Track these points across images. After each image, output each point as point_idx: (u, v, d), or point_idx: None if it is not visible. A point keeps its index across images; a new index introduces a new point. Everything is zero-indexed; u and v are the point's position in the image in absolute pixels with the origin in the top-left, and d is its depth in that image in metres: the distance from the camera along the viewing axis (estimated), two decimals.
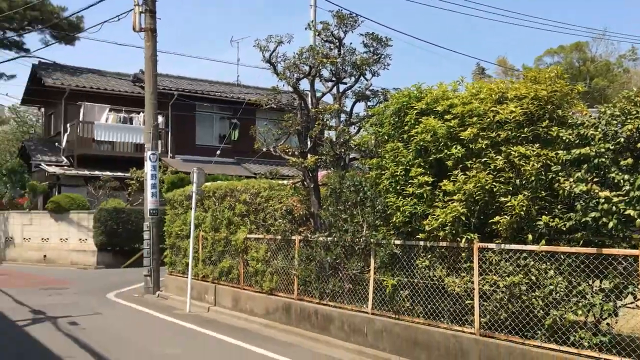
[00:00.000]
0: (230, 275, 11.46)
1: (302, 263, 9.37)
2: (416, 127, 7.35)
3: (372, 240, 8.02)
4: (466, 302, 6.77)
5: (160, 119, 25.87)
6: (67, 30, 25.19)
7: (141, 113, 25.27)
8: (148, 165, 14.75)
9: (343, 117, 10.27)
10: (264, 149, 11.13)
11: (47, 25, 23.69)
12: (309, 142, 10.08)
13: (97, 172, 23.48)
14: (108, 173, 23.25)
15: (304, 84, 10.84)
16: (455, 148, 6.89)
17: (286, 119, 10.12)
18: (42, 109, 29.88)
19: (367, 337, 7.96)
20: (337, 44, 9.93)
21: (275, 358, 7.76)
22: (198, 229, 12.40)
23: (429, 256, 7.21)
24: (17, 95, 54.55)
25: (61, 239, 21.14)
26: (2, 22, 23.91)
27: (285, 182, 11.30)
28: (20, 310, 11.45)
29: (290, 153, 10.22)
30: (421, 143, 7.25)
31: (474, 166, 6.70)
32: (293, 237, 9.74)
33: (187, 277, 12.54)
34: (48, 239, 21.39)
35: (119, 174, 23.13)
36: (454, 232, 6.73)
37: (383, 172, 7.87)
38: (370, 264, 8.14)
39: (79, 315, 10.91)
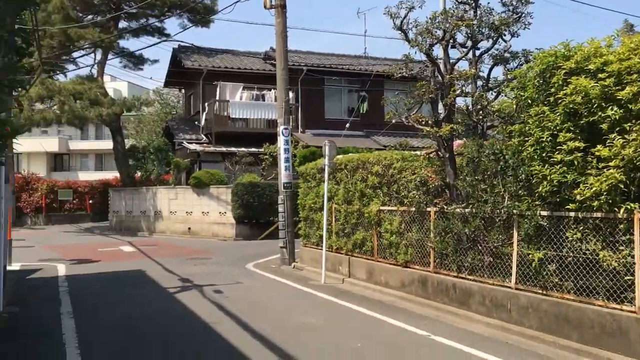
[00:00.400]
0: (363, 248, 11.44)
1: (438, 235, 9.09)
2: (564, 88, 6.75)
3: (514, 211, 7.55)
4: (625, 278, 6.16)
5: (290, 94, 26.44)
6: (202, 13, 26.32)
7: (272, 90, 25.98)
8: (281, 140, 15.06)
9: (480, 82, 9.74)
10: (394, 120, 10.89)
11: (184, 9, 24.91)
12: (443, 111, 9.68)
13: (233, 148, 24.54)
14: (243, 149, 24.22)
15: (437, 51, 10.45)
16: (611, 109, 6.23)
17: (418, 87, 9.78)
18: (183, 90, 31.68)
19: (511, 312, 7.56)
20: (473, 4, 9.38)
21: (412, 330, 7.61)
22: (331, 201, 12.48)
23: (581, 228, 6.63)
24: (161, 78, 58.54)
25: (203, 212, 22.42)
26: (145, 9, 25.49)
27: (418, 152, 11.01)
28: (170, 279, 12.27)
29: (423, 122, 9.90)
30: (571, 105, 6.65)
31: (634, 129, 6.03)
32: (428, 209, 9.46)
33: (321, 249, 12.73)
34: (191, 212, 22.79)
35: (253, 149, 24.01)
36: (610, 201, 6.13)
37: (526, 138, 7.34)
38: (512, 236, 7.68)
39: (222, 284, 11.46)
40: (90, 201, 32.42)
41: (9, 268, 13.69)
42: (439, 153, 9.66)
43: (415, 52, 9.92)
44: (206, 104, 25.66)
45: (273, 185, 21.26)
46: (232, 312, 8.69)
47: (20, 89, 19.82)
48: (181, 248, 18.55)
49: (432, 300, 9.17)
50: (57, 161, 55.57)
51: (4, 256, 10.10)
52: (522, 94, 7.75)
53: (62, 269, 13.94)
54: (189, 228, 22.74)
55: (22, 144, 38.67)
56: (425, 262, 9.52)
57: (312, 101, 26.50)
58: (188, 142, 25.05)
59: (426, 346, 6.88)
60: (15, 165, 39.68)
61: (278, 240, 17.64)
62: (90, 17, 26.75)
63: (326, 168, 12.15)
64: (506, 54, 9.47)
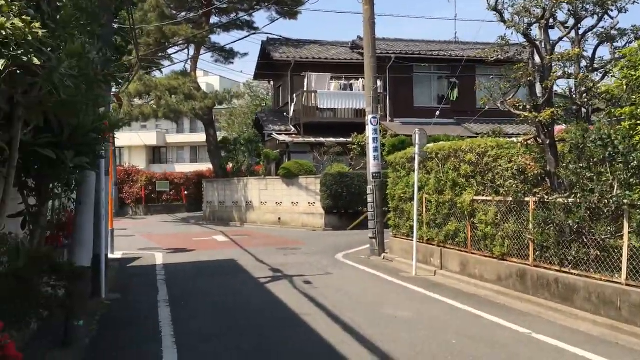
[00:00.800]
0: (456, 239, 11.04)
1: (538, 227, 8.56)
2: None
3: (625, 201, 6.95)
4: None
5: (378, 83, 26.07)
6: (290, 4, 26.48)
7: (360, 79, 25.73)
8: (369, 129, 14.84)
9: (583, 63, 9.05)
10: (487, 107, 10.40)
11: (273, 2, 25.15)
12: (542, 94, 9.09)
13: (321, 139, 24.56)
14: (331, 139, 24.17)
15: (535, 31, 9.82)
16: None
17: (516, 69, 9.23)
18: (272, 82, 32.11)
19: (621, 311, 6.97)
20: None
21: (512, 327, 7.20)
22: (421, 191, 12.14)
23: None
24: (251, 71, 59.96)
25: (292, 203, 22.63)
26: (235, 4, 25.98)
27: (514, 139, 10.44)
28: (261, 268, 12.41)
29: (521, 107, 9.34)
30: None
31: None
32: (526, 199, 8.94)
33: (411, 240, 12.43)
34: (281, 202, 23.07)
35: (341, 139, 23.91)
36: None
37: (638, 122, 6.72)
38: (622, 228, 7.07)
39: (312, 274, 11.45)
40: (186, 192, 33.67)
41: (111, 256, 14.39)
42: (538, 139, 9.09)
43: (512, 33, 9.37)
44: (294, 95, 25.83)
45: (362, 175, 21.07)
46: (321, 304, 8.61)
47: (120, 86, 20.74)
48: (271, 238, 18.80)
49: (531, 295, 8.67)
50: (155, 154, 58.21)
51: (107, 245, 10.58)
52: (632, 73, 7.10)
53: (159, 258, 14.49)
54: (279, 218, 23.04)
55: (123, 138, 40.61)
56: (524, 255, 9.01)
57: (401, 89, 26.02)
58: (277, 134, 25.34)
59: (528, 345, 6.47)
60: (117, 158, 41.99)
61: (367, 230, 17.49)
62: (183, 14, 27.62)
63: (416, 157, 11.80)
64: (613, 32, 8.75)
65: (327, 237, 18.85)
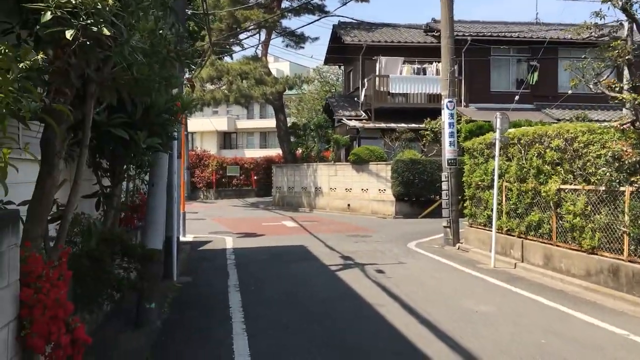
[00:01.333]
0: (539, 230, 10.35)
1: (635, 219, 7.84)
2: None
3: None
4: None
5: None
6: None
7: (434, 63, 24.99)
8: (445, 114, 14.22)
9: None
10: (570, 92, 9.65)
11: None
12: None
13: (392, 124, 24.02)
14: (403, 125, 23.58)
15: (635, 6, 8.97)
16: None
17: (612, 47, 8.46)
18: (342, 67, 31.71)
19: None
20: None
21: (606, 328, 6.59)
22: (501, 179, 11.49)
23: None
24: (321, 56, 59.69)
25: (362, 189, 22.26)
26: None
27: (607, 124, 9.64)
28: (332, 255, 12.14)
29: (617, 89, 8.57)
30: None
31: None
32: (621, 188, 8.20)
33: (488, 230, 11.83)
34: (350, 189, 22.74)
35: (413, 125, 23.28)
36: None
37: None
38: None
39: (384, 263, 11.08)
40: (255, 177, 33.94)
41: (182, 239, 14.52)
42: (636, 124, 8.31)
43: (608, 8, 8.60)
44: (365, 79, 25.34)
45: (434, 162, 20.45)
46: (396, 294, 8.24)
47: (193, 70, 20.85)
48: (341, 224, 18.53)
49: (626, 293, 7.97)
50: (226, 139, 59.13)
51: (178, 228, 10.59)
52: None
53: (229, 242, 14.49)
54: (348, 205, 22.74)
55: (195, 123, 41.46)
56: (617, 249, 8.29)
57: (477, 73, 25.02)
58: (347, 119, 24.98)
59: (626, 348, 5.87)
60: (189, 143, 42.87)
61: (439, 219, 16.97)
62: None
63: (497, 142, 11.15)
64: None
65: (398, 225, 18.39)
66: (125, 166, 6.85)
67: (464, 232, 13.67)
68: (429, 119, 22.06)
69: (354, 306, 7.68)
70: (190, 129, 42.96)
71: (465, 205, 13.67)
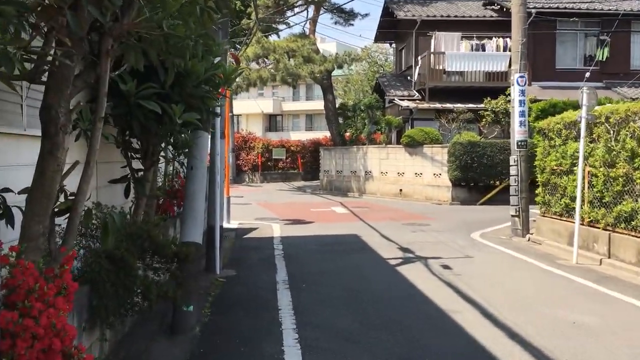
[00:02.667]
0: (632, 222, 8.95)
1: None
2: None
3: None
4: None
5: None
6: None
7: (494, 38, 23.37)
8: (515, 90, 12.80)
9: None
10: None
11: None
12: None
13: (447, 105, 22.57)
14: (459, 105, 22.09)
15: None
16: None
17: None
18: (393, 45, 30.22)
19: None
20: None
21: None
22: (583, 163, 10.10)
23: None
24: (369, 35, 57.82)
25: (415, 174, 20.96)
26: None
27: None
28: (388, 246, 11.02)
29: None
30: None
31: None
32: None
33: (565, 221, 10.52)
34: (403, 173, 21.46)
35: (470, 105, 21.78)
36: None
37: None
38: None
39: (449, 257, 9.88)
40: (302, 160, 32.93)
41: (227, 226, 13.62)
42: None
43: None
44: (419, 57, 23.86)
45: (495, 144, 19.00)
46: (471, 298, 7.06)
47: (240, 48, 19.78)
48: (394, 211, 17.33)
49: None
50: (271, 121, 58.41)
51: (222, 215, 9.64)
52: None
53: (276, 229, 13.53)
54: (400, 190, 21.48)
55: (241, 105, 40.86)
56: None
57: (541, 49, 23.21)
58: (400, 99, 23.61)
59: None
60: (234, 125, 42.18)
61: (499, 206, 15.78)
62: None
63: (583, 122, 9.73)
64: None
65: (456, 212, 17.07)
66: (159, 146, 5.87)
67: (536, 222, 12.31)
68: (489, 98, 20.55)
69: (425, 312, 6.53)
70: (235, 111, 42.30)
71: (537, 192, 12.29)
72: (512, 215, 12.69)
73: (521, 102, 12.67)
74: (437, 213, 16.74)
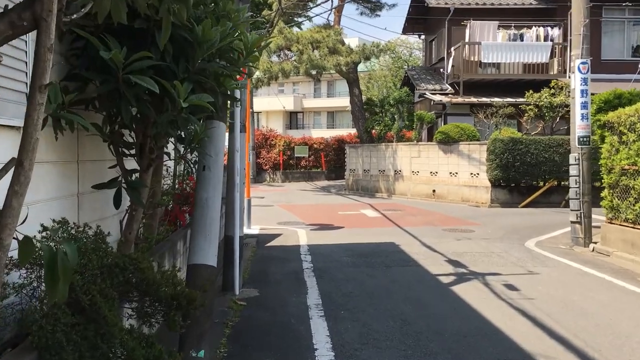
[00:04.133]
0: None
1: None
2: None
3: None
4: None
5: (556, 31, 21.80)
6: None
7: (533, 27, 21.66)
8: (577, 79, 11.20)
9: None
10: None
11: None
12: None
13: (484, 99, 20.95)
14: (496, 99, 20.46)
15: None
16: None
17: None
18: (422, 37, 28.58)
19: None
20: None
21: None
22: None
23: None
24: (394, 29, 55.97)
25: (450, 173, 19.36)
26: None
27: None
28: (433, 258, 9.50)
29: None
30: None
31: None
32: None
33: (638, 228, 8.91)
34: (436, 172, 19.88)
35: (509, 99, 20.14)
36: None
37: None
38: None
39: (509, 273, 8.35)
40: (325, 158, 31.43)
41: (247, 231, 12.25)
42: None
43: None
44: (452, 48, 22.24)
45: (539, 141, 17.37)
46: (558, 334, 5.54)
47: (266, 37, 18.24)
48: (430, 214, 15.78)
49: None
50: (292, 119, 57.08)
51: (242, 222, 8.21)
52: None
53: (302, 236, 12.08)
54: (434, 190, 19.90)
55: (261, 102, 39.49)
56: None
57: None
58: (431, 93, 22.03)
59: None
60: (255, 122, 40.80)
61: (543, 209, 14.40)
62: None
63: None
64: None
65: (499, 216, 15.45)
66: (160, 139, 4.45)
67: (602, 229, 10.70)
68: (531, 92, 18.90)
69: (504, 353, 5.03)
70: (255, 108, 40.89)
71: (602, 195, 10.69)
72: (572, 222, 11.10)
73: (583, 92, 11.06)
74: (479, 217, 15.15)
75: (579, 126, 11.03)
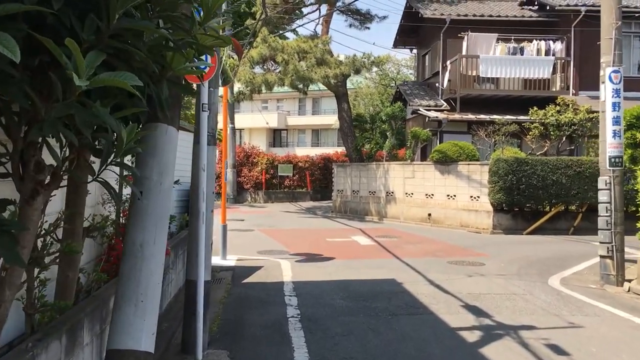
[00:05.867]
0: None
1: None
2: None
3: None
4: None
5: (558, 45, 20.48)
6: None
7: (534, 41, 20.34)
8: (607, 90, 9.72)
9: None
10: None
11: None
12: None
13: (482, 116, 19.49)
14: (496, 116, 19.00)
15: None
16: None
17: None
18: (414, 51, 27.19)
19: None
20: None
21: None
22: None
23: None
24: (383, 43, 54.49)
25: (448, 196, 17.74)
26: None
27: None
28: (446, 303, 7.80)
29: None
30: None
31: None
32: None
33: None
34: (432, 195, 18.25)
35: (509, 116, 18.67)
36: None
37: None
38: None
39: (546, 326, 6.67)
40: (311, 178, 29.69)
41: (222, 263, 10.53)
42: None
43: None
44: (448, 62, 20.80)
45: (547, 162, 15.87)
46: None
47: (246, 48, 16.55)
48: (430, 243, 14.09)
49: None
50: (276, 136, 55.47)
51: (209, 264, 6.42)
52: None
53: (286, 270, 10.31)
54: (429, 214, 18.25)
55: (244, 119, 37.73)
56: None
57: (590, 54, 19.97)
58: (425, 109, 20.51)
59: None
60: (237, 139, 38.99)
61: (551, 237, 13.11)
62: None
63: None
64: None
65: (506, 245, 13.81)
66: (54, 147, 2.73)
67: (638, 265, 9.09)
68: (535, 109, 17.48)
69: None
70: (238, 125, 39.18)
71: (639, 225, 9.13)
72: (602, 256, 9.48)
73: (615, 106, 9.57)
74: (484, 246, 13.50)
75: (610, 144, 9.49)
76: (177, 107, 3.57)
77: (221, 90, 10.92)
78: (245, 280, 9.44)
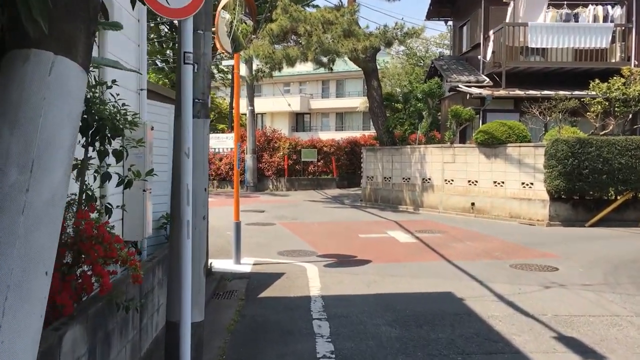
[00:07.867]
0: None
1: None
2: None
3: None
4: None
5: (617, 10, 18.07)
6: None
7: (590, 6, 17.96)
8: None
9: None
10: None
11: None
12: None
13: (532, 92, 17.25)
14: (547, 92, 16.76)
15: None
16: None
17: None
18: (449, 23, 24.90)
19: None
20: None
21: None
22: None
23: None
24: (414, 20, 51.66)
25: (495, 183, 15.58)
26: None
27: None
28: (532, 332, 5.75)
29: None
30: None
31: None
32: None
33: None
34: (476, 181, 16.09)
35: (562, 92, 16.37)
36: None
37: None
38: None
39: None
40: (336, 163, 27.63)
41: (236, 268, 8.63)
42: None
43: None
44: (491, 31, 18.52)
45: (614, 143, 13.64)
46: None
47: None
48: (481, 239, 11.99)
49: None
50: (299, 120, 53.54)
51: (199, 299, 4.48)
52: None
53: (313, 278, 8.33)
54: (473, 204, 16.11)
55: (266, 103, 35.74)
56: None
57: None
58: (466, 85, 18.30)
59: None
60: (258, 123, 37.04)
61: (619, 229, 11.14)
62: None
63: None
64: None
65: (573, 241, 11.66)
66: None
67: None
68: (597, 82, 15.16)
69: None
70: (259, 109, 37.12)
71: None
72: None
73: None
74: (547, 242, 11.37)
75: None
76: (88, 39, 1.60)
77: (238, 68, 8.88)
78: (262, 294, 7.51)
